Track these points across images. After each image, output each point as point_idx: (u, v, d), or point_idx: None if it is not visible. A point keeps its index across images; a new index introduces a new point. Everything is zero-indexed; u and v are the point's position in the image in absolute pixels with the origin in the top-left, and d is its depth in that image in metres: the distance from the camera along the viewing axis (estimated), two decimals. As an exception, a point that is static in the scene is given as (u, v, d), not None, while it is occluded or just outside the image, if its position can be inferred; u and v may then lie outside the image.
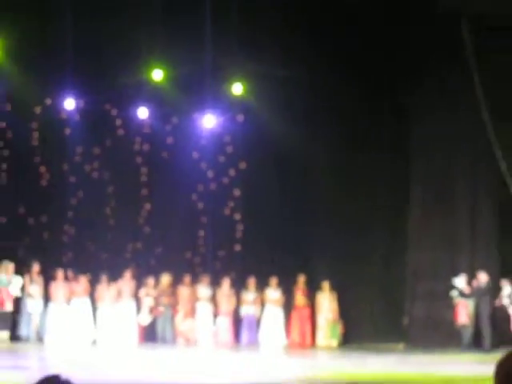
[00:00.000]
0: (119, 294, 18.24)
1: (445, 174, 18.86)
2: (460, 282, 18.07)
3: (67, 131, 18.28)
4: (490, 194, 18.61)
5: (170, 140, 19.05)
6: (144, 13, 16.56)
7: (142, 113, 18.64)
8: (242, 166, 19.20)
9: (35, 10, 16.06)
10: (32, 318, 17.71)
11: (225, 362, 15.25)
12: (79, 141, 18.27)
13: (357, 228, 19.34)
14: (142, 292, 18.37)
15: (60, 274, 17.97)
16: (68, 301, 18.03)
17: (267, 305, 18.95)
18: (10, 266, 17.44)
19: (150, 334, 18.39)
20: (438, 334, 18.34)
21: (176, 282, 18.64)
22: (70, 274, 18.11)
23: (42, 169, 18.15)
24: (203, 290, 18.66)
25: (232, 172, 19.23)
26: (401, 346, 18.80)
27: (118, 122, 18.76)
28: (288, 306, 19.13)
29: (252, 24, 16.98)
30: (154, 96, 18.04)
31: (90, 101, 17.78)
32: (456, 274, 18.15)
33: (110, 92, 17.57)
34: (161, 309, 18.37)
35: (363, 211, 19.38)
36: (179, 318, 18.54)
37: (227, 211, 19.25)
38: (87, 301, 18.12)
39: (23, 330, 17.73)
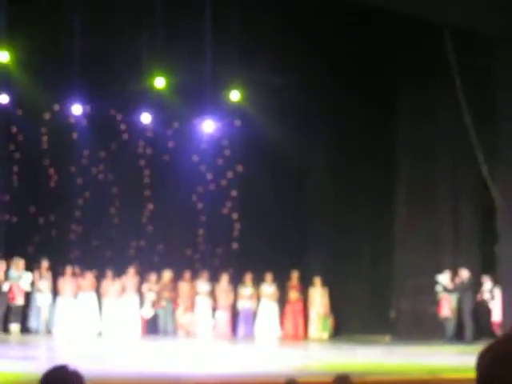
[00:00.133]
0: (123, 288, 18.38)
1: (428, 176, 18.71)
2: (444, 278, 18.13)
3: (75, 135, 18.36)
4: (471, 196, 18.59)
5: (171, 144, 19.17)
6: (146, 26, 16.56)
7: (145, 118, 18.69)
8: (239, 168, 19.37)
9: (46, 23, 15.96)
10: (41, 311, 17.82)
11: (223, 353, 15.30)
12: (86, 144, 18.36)
13: (347, 228, 19.51)
14: (145, 287, 18.52)
15: (68, 270, 18.09)
16: (75, 295, 18.15)
17: (263, 299, 19.13)
18: (20, 263, 17.49)
19: (152, 327, 18.50)
20: (423, 326, 18.39)
21: (177, 277, 18.77)
22: (77, 270, 18.23)
23: (51, 171, 18.21)
24: (202, 285, 18.86)
25: (230, 174, 19.42)
26: (388, 338, 18.87)
27: (123, 126, 18.87)
28: (282, 300, 19.33)
29: (250, 35, 16.88)
30: (156, 102, 18.00)
31: (96, 107, 17.72)
32: (440, 270, 18.20)
33: (115, 99, 17.47)
34: (162, 303, 18.54)
35: (353, 212, 19.52)
36: (180, 311, 18.74)
37: (225, 211, 19.43)
38: (93, 295, 18.26)
39: (33, 323, 17.83)
